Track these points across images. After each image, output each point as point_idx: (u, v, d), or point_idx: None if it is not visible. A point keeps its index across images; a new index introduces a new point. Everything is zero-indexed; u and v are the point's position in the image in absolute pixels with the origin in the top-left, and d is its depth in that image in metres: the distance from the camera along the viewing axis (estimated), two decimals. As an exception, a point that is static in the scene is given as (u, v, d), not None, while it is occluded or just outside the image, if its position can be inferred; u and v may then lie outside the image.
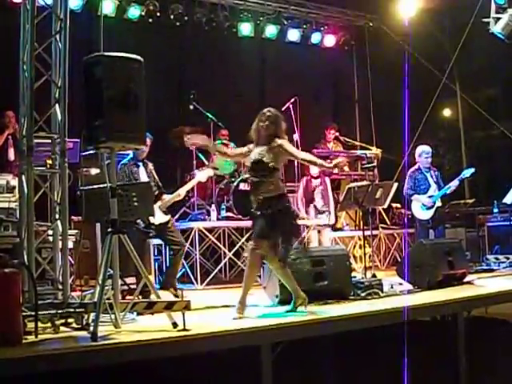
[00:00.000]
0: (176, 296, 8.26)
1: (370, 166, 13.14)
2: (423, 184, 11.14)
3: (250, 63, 15.10)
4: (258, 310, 7.35)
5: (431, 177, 11.20)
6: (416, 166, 11.29)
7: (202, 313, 7.21)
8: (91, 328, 5.68)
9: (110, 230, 6.06)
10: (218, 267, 11.23)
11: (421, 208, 11.07)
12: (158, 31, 13.62)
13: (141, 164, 8.75)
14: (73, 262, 8.20)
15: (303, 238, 11.07)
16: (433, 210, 11.02)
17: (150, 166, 8.89)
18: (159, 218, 8.59)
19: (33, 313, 5.70)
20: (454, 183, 11.06)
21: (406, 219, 12.97)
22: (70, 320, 6.21)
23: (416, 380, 6.77)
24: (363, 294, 8.09)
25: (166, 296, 7.67)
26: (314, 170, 12.22)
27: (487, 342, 8.21)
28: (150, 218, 8.42)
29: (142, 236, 8.39)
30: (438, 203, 11.09)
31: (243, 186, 11.36)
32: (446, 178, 11.43)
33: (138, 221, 8.30)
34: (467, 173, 11.29)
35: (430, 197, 11.00)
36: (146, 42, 12.69)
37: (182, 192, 9.12)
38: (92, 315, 5.97)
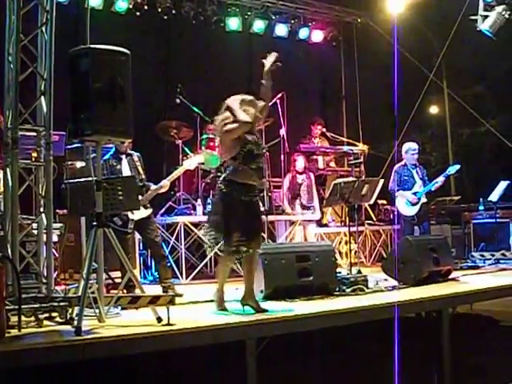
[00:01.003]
0: (166, 289, 8.23)
1: (356, 162, 13.18)
2: (409, 180, 11.16)
3: (237, 58, 15.05)
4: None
5: (417, 173, 11.23)
6: (402, 163, 11.31)
7: (186, 307, 7.19)
8: (75, 322, 5.67)
9: (94, 223, 6.04)
10: (204, 262, 11.20)
11: (406, 204, 11.10)
12: (145, 24, 13.55)
13: (123, 157, 8.62)
14: (57, 255, 8.17)
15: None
16: (418, 206, 11.04)
17: (136, 157, 8.73)
18: (139, 212, 8.32)
19: (16, 307, 5.67)
20: (440, 179, 11.09)
21: (392, 216, 13.00)
22: (53, 314, 6.18)
23: (400, 377, 6.77)
24: (348, 290, 8.10)
25: (151, 290, 7.63)
26: (300, 166, 12.22)
27: (472, 338, 8.25)
28: (129, 214, 8.32)
29: (119, 234, 8.24)
30: (423, 199, 11.12)
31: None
32: (433, 175, 11.46)
33: (115, 218, 8.19)
34: (452, 169, 11.33)
35: (414, 193, 11.02)
36: (134, 36, 12.62)
37: (166, 183, 8.90)
38: (76, 309, 5.94)
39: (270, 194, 11.72)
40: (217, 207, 7.03)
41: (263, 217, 7.68)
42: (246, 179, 6.85)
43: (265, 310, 6.85)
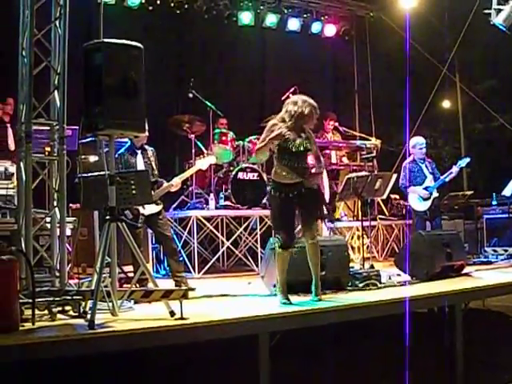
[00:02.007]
0: (178, 283, 8.24)
1: (369, 156, 13.14)
2: (419, 175, 11.11)
3: (250, 52, 15.08)
4: (256, 300, 7.36)
5: (426, 168, 11.17)
6: (411, 158, 11.25)
7: (199, 302, 7.20)
8: (88, 316, 5.68)
9: (107, 217, 6.06)
10: (216, 256, 11.23)
11: (418, 199, 11.06)
12: (157, 19, 13.58)
13: (139, 152, 8.63)
14: (70, 249, 8.19)
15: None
16: (430, 201, 11.01)
17: (150, 152, 8.70)
18: (150, 207, 8.36)
19: (30, 300, 5.70)
20: (454, 170, 11.02)
21: (405, 210, 12.98)
22: (67, 308, 6.21)
23: (412, 372, 6.77)
24: (361, 285, 8.08)
25: (164, 285, 7.65)
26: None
27: (484, 334, 8.23)
28: (140, 209, 8.33)
29: (129, 228, 8.24)
30: (435, 194, 11.08)
31: (242, 175, 11.36)
32: (446, 170, 11.40)
33: (126, 212, 8.20)
34: (463, 163, 11.28)
35: (426, 188, 10.98)
36: (146, 30, 12.66)
37: (177, 182, 8.84)
38: (89, 303, 5.97)
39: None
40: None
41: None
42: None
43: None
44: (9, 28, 7.46)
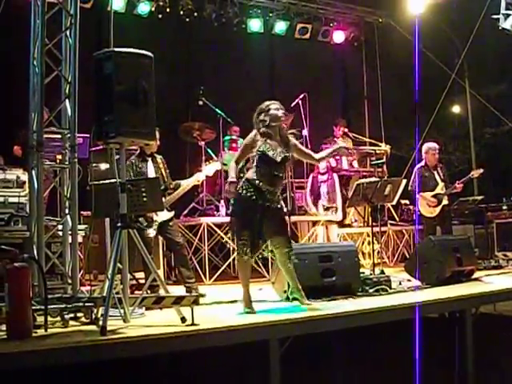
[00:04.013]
0: (189, 290, 8.27)
1: (378, 162, 13.16)
2: (430, 181, 11.12)
3: (259, 59, 15.11)
4: (266, 306, 7.39)
5: (438, 174, 11.18)
6: (422, 163, 11.25)
7: (210, 308, 7.23)
8: (100, 322, 5.72)
9: (119, 224, 6.10)
10: (227, 263, 11.25)
11: (427, 205, 11.06)
12: (167, 27, 13.65)
13: (149, 159, 8.67)
14: (82, 256, 8.24)
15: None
16: (439, 207, 11.01)
17: (159, 159, 8.72)
18: (162, 214, 8.41)
19: (42, 307, 5.74)
20: (458, 186, 11.07)
21: (415, 216, 12.98)
22: (79, 314, 6.27)
23: (423, 377, 6.78)
24: (371, 291, 8.08)
25: (174, 291, 7.68)
26: (322, 166, 12.21)
27: (495, 339, 8.21)
28: (153, 216, 8.38)
29: (142, 235, 8.28)
30: (445, 201, 11.07)
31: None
32: (456, 175, 11.42)
33: (140, 219, 8.24)
34: (475, 174, 11.34)
35: (435, 195, 10.98)
36: (156, 38, 12.72)
37: (188, 184, 8.93)
38: (101, 309, 6.00)
39: (292, 194, 11.75)
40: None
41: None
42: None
43: (308, 304, 7.09)
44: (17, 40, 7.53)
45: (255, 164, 7.04)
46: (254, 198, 6.91)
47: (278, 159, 7.01)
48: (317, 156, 7.62)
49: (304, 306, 7.07)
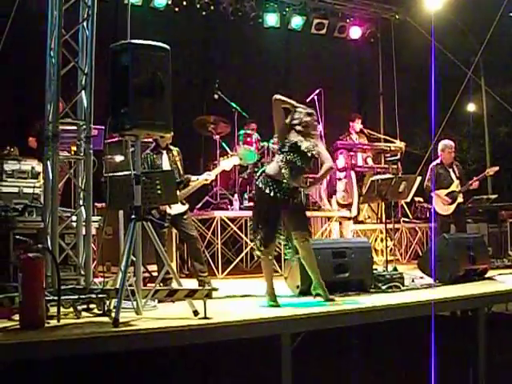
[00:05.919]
0: (202, 283, 8.27)
1: (393, 159, 13.09)
2: (445, 179, 11.09)
3: (275, 54, 15.09)
4: (279, 300, 7.38)
5: (454, 172, 11.15)
6: (438, 161, 11.22)
7: (223, 302, 7.23)
8: (113, 314, 5.74)
9: (133, 217, 6.10)
10: (240, 257, 11.24)
11: (442, 203, 11.03)
12: (184, 20, 13.65)
13: (164, 152, 8.65)
14: (95, 248, 8.26)
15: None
16: (454, 205, 10.98)
17: (175, 152, 8.71)
18: (176, 207, 8.39)
19: (55, 297, 5.76)
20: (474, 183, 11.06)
21: (428, 213, 12.94)
22: (91, 306, 6.28)
23: (436, 375, 6.77)
24: (384, 287, 8.07)
25: (187, 284, 7.69)
26: (340, 163, 12.17)
27: (507, 338, 8.19)
28: (167, 208, 8.38)
29: (155, 227, 8.26)
30: (460, 199, 11.05)
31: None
32: (471, 173, 11.38)
33: (153, 211, 8.24)
34: (491, 171, 11.31)
35: (450, 193, 10.95)
36: (172, 31, 12.72)
37: (200, 181, 8.91)
38: (114, 301, 6.02)
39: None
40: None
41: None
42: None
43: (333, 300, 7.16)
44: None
45: (284, 152, 7.10)
46: (273, 193, 6.93)
47: (309, 154, 7.07)
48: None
49: (327, 301, 7.11)
